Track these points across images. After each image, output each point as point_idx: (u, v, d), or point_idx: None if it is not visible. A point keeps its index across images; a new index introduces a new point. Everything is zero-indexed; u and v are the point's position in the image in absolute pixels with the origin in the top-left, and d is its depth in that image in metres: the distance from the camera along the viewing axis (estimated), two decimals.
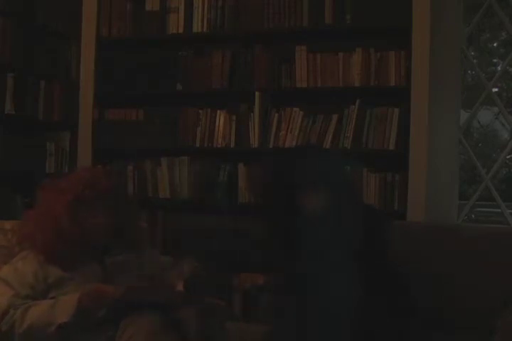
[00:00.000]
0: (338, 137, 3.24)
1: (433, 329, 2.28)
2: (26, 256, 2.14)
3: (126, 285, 2.03)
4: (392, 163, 3.17)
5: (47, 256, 2.11)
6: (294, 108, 3.34)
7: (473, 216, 4.69)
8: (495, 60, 6.95)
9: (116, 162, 3.64)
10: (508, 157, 4.41)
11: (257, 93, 3.35)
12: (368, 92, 3.25)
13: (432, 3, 3.06)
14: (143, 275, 2.20)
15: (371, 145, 3.19)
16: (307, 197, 2.24)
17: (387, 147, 3.15)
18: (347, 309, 2.09)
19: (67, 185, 2.19)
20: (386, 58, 3.18)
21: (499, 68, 5.35)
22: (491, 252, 2.38)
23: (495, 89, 4.24)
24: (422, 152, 3.05)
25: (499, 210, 3.41)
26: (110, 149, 3.67)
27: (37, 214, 2.18)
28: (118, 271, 2.17)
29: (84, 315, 1.97)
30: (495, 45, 7.07)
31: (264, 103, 3.37)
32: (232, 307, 3.30)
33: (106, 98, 3.68)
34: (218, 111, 3.47)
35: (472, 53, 4.64)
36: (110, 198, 2.19)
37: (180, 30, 3.54)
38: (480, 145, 7.35)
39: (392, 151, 3.15)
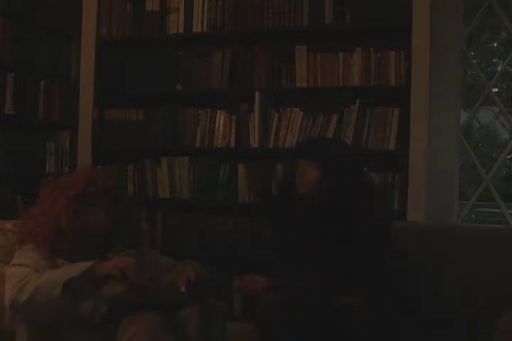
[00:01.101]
0: (338, 137, 3.24)
1: (433, 329, 2.28)
2: (32, 248, 2.14)
3: (128, 284, 2.03)
4: (392, 163, 3.17)
5: (50, 252, 2.11)
6: (294, 108, 3.34)
7: (473, 216, 4.69)
8: (495, 60, 6.95)
9: (116, 162, 3.64)
10: (508, 157, 4.41)
11: (257, 93, 3.35)
12: (368, 92, 3.25)
13: (432, 3, 3.06)
14: (144, 275, 2.20)
15: (371, 145, 3.19)
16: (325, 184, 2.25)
17: (387, 147, 3.15)
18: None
19: (68, 182, 2.20)
20: (386, 58, 3.18)
21: (499, 68, 5.35)
22: (490, 252, 2.38)
23: (495, 89, 4.24)
24: (422, 152, 3.05)
25: (499, 210, 3.41)
26: (110, 149, 3.67)
27: (37, 212, 2.18)
28: None
29: (92, 277, 1.97)
30: (495, 45, 7.08)
31: (264, 103, 3.37)
32: (232, 308, 3.30)
33: (106, 98, 3.69)
34: (218, 111, 3.47)
35: (472, 53, 4.65)
36: (111, 196, 2.19)
37: (180, 30, 3.54)
38: (480, 145, 7.34)
39: (392, 151, 3.15)
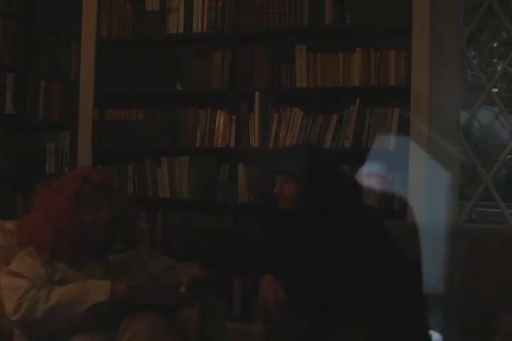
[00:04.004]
0: (338, 137, 3.24)
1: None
2: (32, 252, 2.13)
3: (127, 285, 2.03)
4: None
5: (51, 254, 2.11)
6: (294, 108, 3.33)
7: (473, 216, 4.69)
8: (495, 60, 6.94)
9: (116, 162, 3.64)
10: (508, 157, 4.40)
11: (257, 93, 3.35)
12: (368, 92, 3.25)
13: (432, 3, 3.06)
14: (144, 275, 2.20)
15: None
16: (304, 197, 2.25)
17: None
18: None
19: (65, 182, 2.20)
20: (386, 58, 3.18)
21: (499, 68, 5.35)
22: (491, 252, 2.38)
23: (495, 89, 4.24)
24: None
25: (499, 210, 3.40)
26: (110, 149, 3.67)
27: (37, 214, 2.18)
28: (120, 270, 2.17)
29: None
30: (495, 45, 7.07)
31: (264, 103, 3.37)
32: (232, 308, 3.30)
33: (106, 98, 3.69)
34: (218, 111, 3.47)
35: (472, 53, 4.64)
36: (109, 194, 2.19)
37: (180, 30, 3.54)
38: (480, 145, 7.34)
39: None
